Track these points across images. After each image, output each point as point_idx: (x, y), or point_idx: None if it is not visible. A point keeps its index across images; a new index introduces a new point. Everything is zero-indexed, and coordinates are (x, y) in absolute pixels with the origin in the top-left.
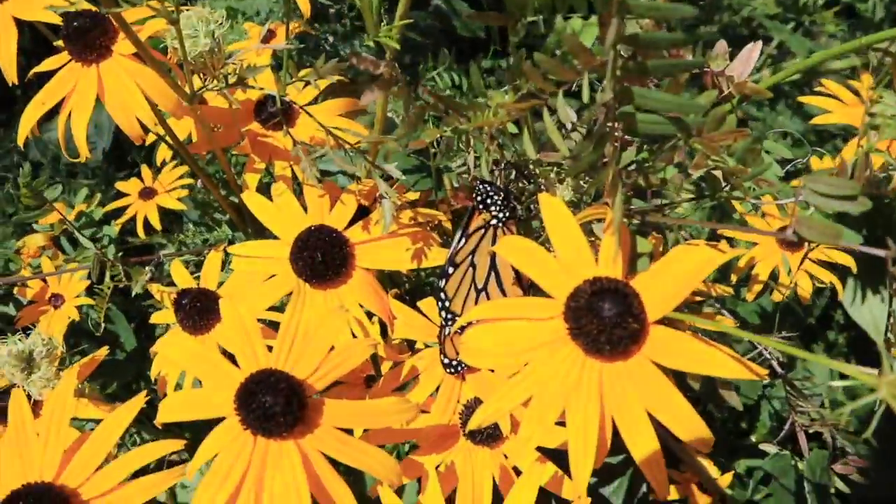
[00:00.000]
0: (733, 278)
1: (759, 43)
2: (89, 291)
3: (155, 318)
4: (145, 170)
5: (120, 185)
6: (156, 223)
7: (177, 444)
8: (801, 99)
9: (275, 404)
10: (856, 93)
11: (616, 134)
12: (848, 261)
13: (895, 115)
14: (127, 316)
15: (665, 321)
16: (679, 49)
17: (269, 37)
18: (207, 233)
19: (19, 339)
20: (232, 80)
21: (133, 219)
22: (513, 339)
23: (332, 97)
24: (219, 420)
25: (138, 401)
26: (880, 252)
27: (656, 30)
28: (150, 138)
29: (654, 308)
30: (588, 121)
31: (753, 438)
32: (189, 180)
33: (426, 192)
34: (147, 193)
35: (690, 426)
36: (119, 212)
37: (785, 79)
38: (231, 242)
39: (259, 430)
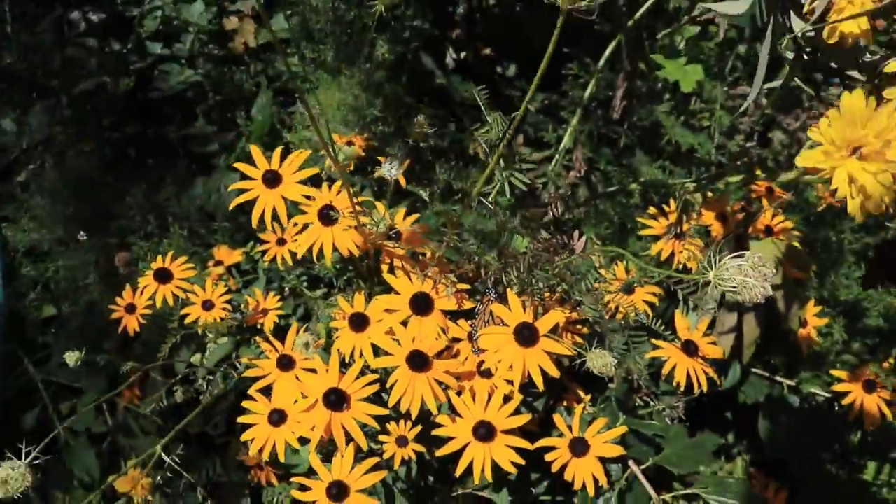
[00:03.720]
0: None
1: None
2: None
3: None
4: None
5: (262, 235)
6: (289, 262)
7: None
8: (643, 232)
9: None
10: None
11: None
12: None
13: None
14: None
15: (546, 335)
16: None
17: (349, 142)
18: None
19: (303, 331)
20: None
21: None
22: (495, 340)
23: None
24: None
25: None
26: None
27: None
28: (261, 203)
29: (543, 331)
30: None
31: None
32: None
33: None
34: (281, 242)
35: (553, 371)
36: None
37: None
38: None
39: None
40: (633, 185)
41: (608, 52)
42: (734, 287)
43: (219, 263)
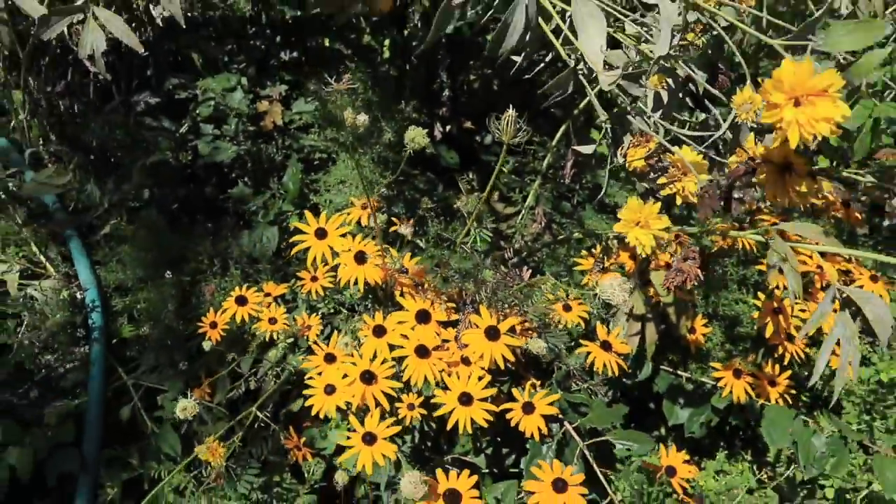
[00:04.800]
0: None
1: None
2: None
3: (360, 334)
4: (308, 264)
5: (300, 274)
6: (321, 293)
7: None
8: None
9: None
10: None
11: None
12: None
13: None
14: None
15: (506, 332)
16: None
17: (365, 205)
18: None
19: (343, 336)
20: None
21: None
22: (472, 338)
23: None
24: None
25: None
26: None
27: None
28: (313, 251)
29: (503, 330)
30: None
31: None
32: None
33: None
34: (314, 279)
35: (510, 357)
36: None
37: None
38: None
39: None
40: (577, 234)
41: (560, 133)
42: (609, 297)
43: (267, 295)
